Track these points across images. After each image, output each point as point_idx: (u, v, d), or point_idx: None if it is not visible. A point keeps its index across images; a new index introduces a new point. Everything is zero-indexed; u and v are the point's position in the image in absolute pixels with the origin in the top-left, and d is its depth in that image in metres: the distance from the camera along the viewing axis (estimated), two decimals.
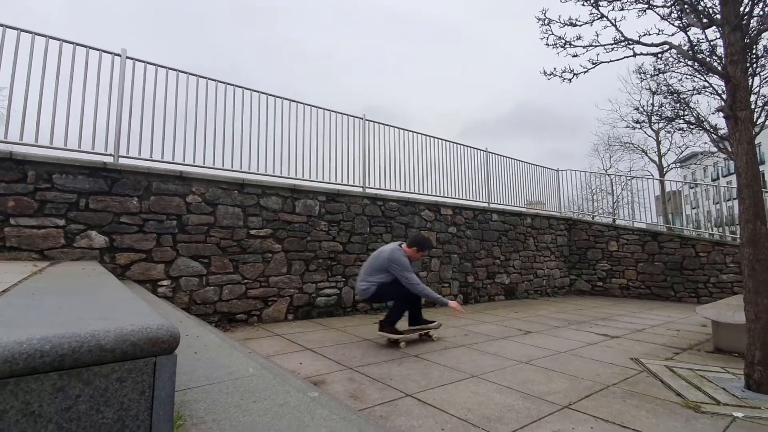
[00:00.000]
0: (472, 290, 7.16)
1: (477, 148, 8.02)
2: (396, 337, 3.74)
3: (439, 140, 7.30)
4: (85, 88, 4.10)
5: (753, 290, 2.75)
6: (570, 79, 4.17)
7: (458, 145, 7.64)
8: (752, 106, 4.98)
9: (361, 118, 6.32)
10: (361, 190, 6.09)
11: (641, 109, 17.00)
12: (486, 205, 7.89)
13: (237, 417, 0.92)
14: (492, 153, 8.29)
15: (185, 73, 4.74)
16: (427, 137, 7.11)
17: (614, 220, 9.74)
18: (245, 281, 4.66)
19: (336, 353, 3.41)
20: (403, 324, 3.94)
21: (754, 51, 4.81)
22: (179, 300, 4.23)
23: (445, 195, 7.20)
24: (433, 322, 4.14)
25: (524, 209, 8.83)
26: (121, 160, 4.27)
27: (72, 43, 4.09)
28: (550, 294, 8.66)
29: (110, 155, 4.22)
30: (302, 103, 5.69)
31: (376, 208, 6.03)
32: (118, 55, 4.36)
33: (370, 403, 2.31)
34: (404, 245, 4.18)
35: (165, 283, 4.17)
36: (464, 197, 7.53)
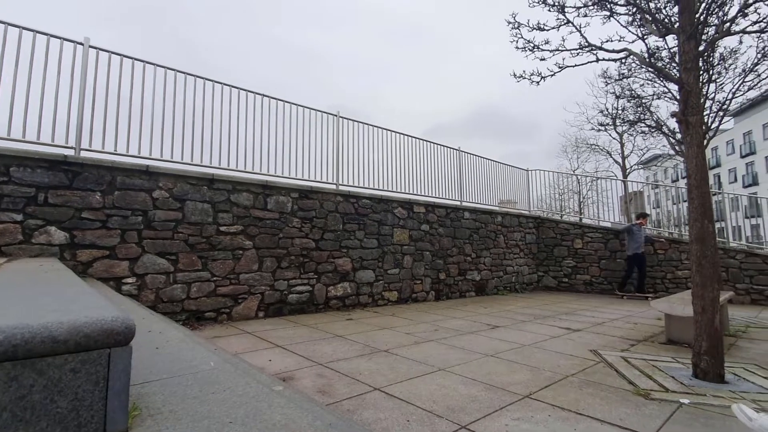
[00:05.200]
0: (443, 287, 7.29)
1: (450, 147, 8.15)
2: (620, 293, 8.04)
3: (413, 138, 7.38)
4: (45, 78, 3.92)
5: (700, 284, 2.94)
6: (538, 82, 4.30)
7: (431, 144, 7.75)
8: (707, 112, 5.29)
9: (335, 115, 6.31)
10: (334, 187, 6.09)
11: (606, 113, 17.62)
12: (458, 203, 8.04)
13: (194, 407, 0.93)
14: (464, 152, 8.44)
15: (152, 64, 4.60)
16: (401, 135, 7.17)
17: (581, 218, 10.10)
18: (214, 279, 4.58)
19: (306, 350, 3.42)
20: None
21: (710, 59, 5.10)
22: (145, 298, 4.12)
23: (418, 193, 7.28)
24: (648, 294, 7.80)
25: (496, 208, 9.05)
26: (83, 154, 4.11)
27: (32, 30, 3.90)
28: (518, 290, 8.92)
29: (71, 148, 4.06)
30: (275, 98, 5.63)
31: (349, 206, 6.04)
32: (81, 43, 4.19)
33: (338, 398, 2.34)
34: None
35: (130, 280, 4.06)
36: (437, 195, 7.64)
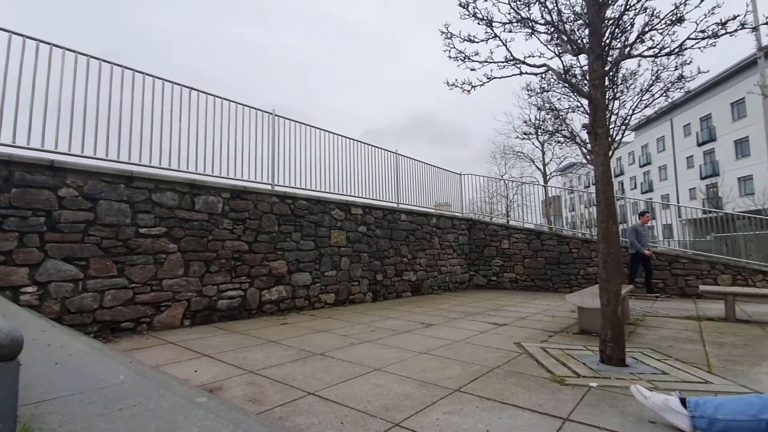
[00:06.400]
0: (380, 288, 7.37)
1: (387, 150, 8.28)
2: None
3: (351, 140, 7.39)
4: None
5: (606, 279, 3.27)
6: (469, 91, 4.51)
7: (369, 146, 7.81)
8: (612, 125, 5.91)
9: (271, 113, 6.12)
10: (269, 187, 5.89)
11: (529, 123, 18.97)
12: (395, 205, 8.18)
13: (98, 426, 0.83)
14: (401, 155, 8.62)
15: (59, 47, 4.11)
16: (339, 137, 7.14)
17: (508, 221, 10.80)
18: (133, 285, 4.20)
19: (237, 358, 3.26)
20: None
21: (614, 78, 5.71)
22: (48, 309, 3.66)
23: (356, 195, 7.30)
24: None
25: (431, 210, 9.35)
26: None
27: None
28: (452, 289, 9.30)
29: None
30: (205, 93, 5.31)
31: (285, 207, 5.88)
32: None
33: (270, 405, 2.26)
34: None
35: (29, 289, 3.58)
36: (374, 197, 7.72)
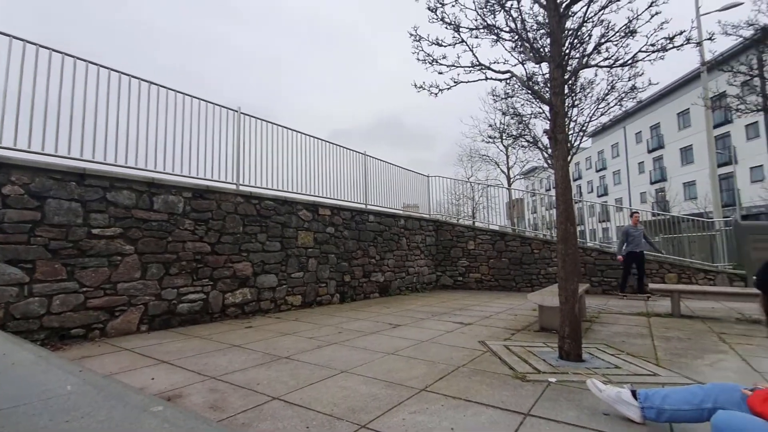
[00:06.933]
0: (348, 289, 7.34)
1: (356, 151, 8.26)
2: (621, 293, 8.07)
3: (319, 140, 7.31)
4: None
5: (564, 278, 3.41)
6: (436, 94, 4.58)
7: (337, 147, 7.76)
8: (571, 132, 6.17)
9: (236, 111, 5.95)
10: (234, 187, 5.73)
11: (494, 127, 19.45)
12: (363, 206, 8.17)
13: None
14: (370, 156, 8.63)
15: (5, 35, 3.82)
16: (307, 136, 7.05)
17: (474, 222, 11.05)
18: (84, 289, 3.96)
19: (197, 364, 3.15)
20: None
21: (573, 87, 5.97)
22: None
23: (324, 195, 7.24)
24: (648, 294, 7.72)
25: (399, 211, 9.40)
26: None
27: None
28: (419, 289, 9.39)
29: None
30: (166, 88, 5.08)
31: (250, 207, 5.74)
32: None
33: (232, 412, 2.19)
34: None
35: None
36: (342, 198, 7.67)
